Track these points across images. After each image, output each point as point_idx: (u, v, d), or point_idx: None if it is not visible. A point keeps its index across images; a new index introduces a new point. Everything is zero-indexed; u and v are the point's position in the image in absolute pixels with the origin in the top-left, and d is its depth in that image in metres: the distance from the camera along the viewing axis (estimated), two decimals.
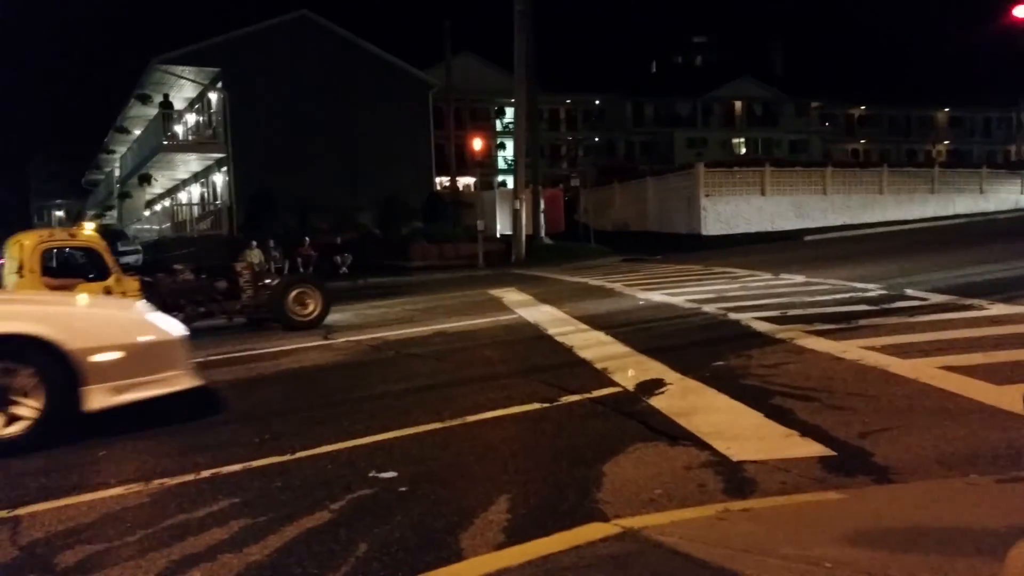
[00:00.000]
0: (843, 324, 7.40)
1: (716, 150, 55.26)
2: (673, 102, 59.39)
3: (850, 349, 6.22)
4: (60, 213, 73.63)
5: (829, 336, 6.84)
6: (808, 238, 22.92)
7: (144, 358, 5.06)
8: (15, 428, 4.63)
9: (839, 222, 25.93)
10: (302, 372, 7.14)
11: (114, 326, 5.21)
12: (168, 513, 3.53)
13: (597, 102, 57.95)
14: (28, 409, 4.64)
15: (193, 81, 30.51)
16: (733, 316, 8.34)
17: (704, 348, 6.77)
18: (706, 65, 68.86)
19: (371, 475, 3.89)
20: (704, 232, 24.03)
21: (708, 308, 9.14)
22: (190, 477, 4.04)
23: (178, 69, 29.36)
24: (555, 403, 5.14)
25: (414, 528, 3.19)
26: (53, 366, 4.67)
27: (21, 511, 3.66)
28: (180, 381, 5.17)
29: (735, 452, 3.90)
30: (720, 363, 6.08)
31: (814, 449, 3.93)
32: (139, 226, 39.67)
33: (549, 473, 3.79)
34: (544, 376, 5.95)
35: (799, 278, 11.92)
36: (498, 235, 26.46)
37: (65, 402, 4.68)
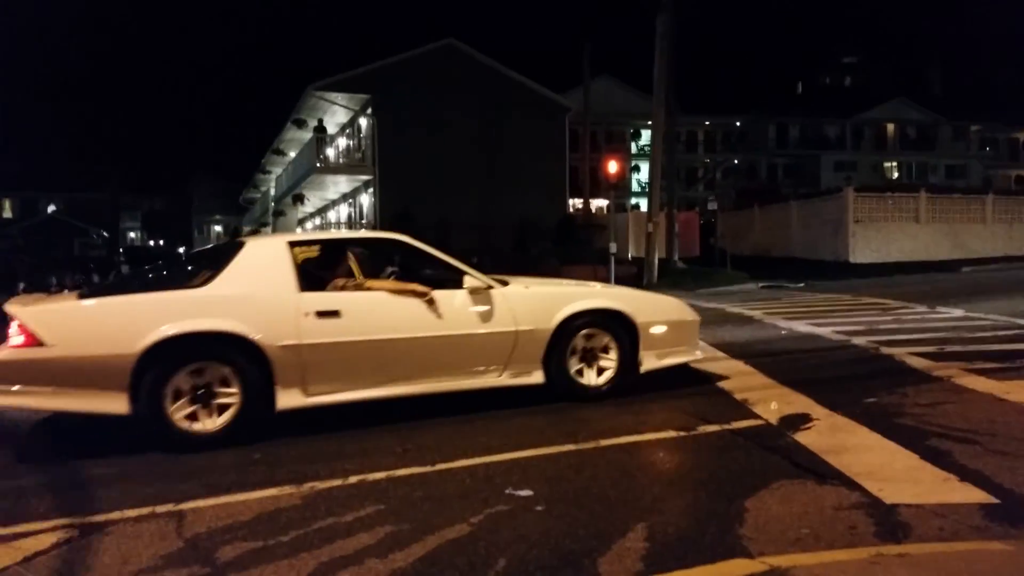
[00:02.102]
0: (1007, 363, 6.88)
1: (866, 174, 52.76)
2: (820, 124, 57.25)
3: (1014, 390, 5.78)
4: (219, 228, 79.03)
5: (991, 375, 6.37)
6: (966, 269, 21.44)
7: (678, 334, 6.38)
8: (603, 378, 6.07)
9: (1000, 253, 24.11)
10: None
11: (664, 306, 6.53)
12: (318, 516, 3.71)
13: (738, 123, 56.62)
14: (609, 361, 6.06)
15: (345, 107, 32.13)
16: (886, 351, 7.91)
17: (854, 383, 6.45)
18: (856, 86, 66.05)
19: (507, 492, 3.95)
20: (852, 260, 22.95)
21: (858, 341, 8.71)
22: (338, 482, 4.23)
23: (331, 96, 31.00)
24: (692, 432, 5.04)
25: (551, 548, 3.21)
26: (626, 333, 6.08)
27: (185, 506, 3.95)
28: (693, 353, 6.60)
29: (888, 494, 3.70)
30: (871, 399, 5.78)
31: (975, 495, 3.67)
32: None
33: (688, 504, 3.72)
34: (680, 404, 5.84)
35: (957, 312, 11.17)
36: (630, 258, 26.24)
37: (631, 359, 6.10)
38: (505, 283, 5.94)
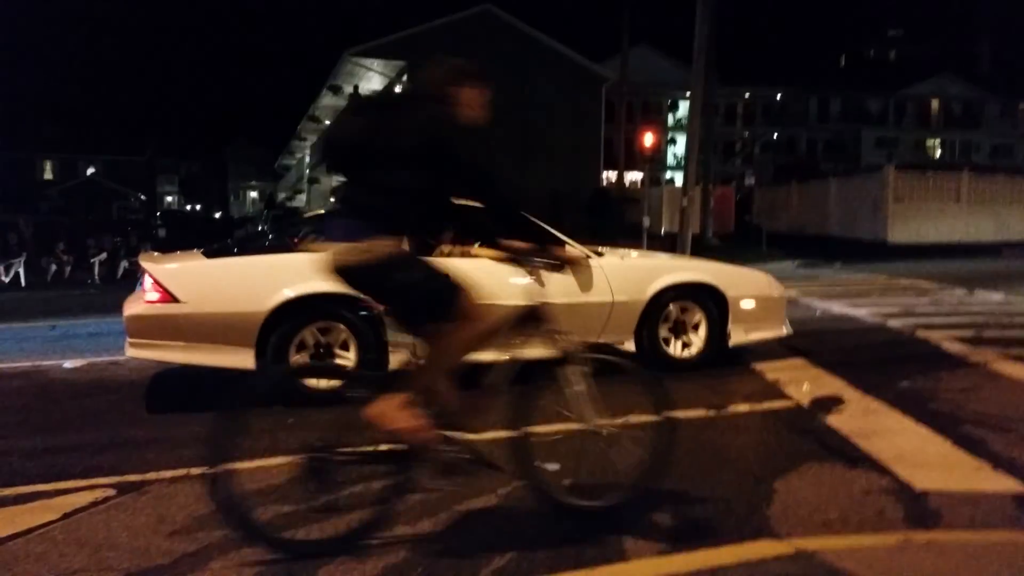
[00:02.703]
0: None
1: (908, 151, 51.65)
2: (862, 98, 56.00)
3: None
4: (254, 194, 79.79)
5: None
6: (1008, 252, 20.96)
7: (767, 309, 6.42)
8: (694, 350, 6.19)
9: None
10: None
11: (753, 281, 6.55)
12: (348, 481, 3.76)
13: (778, 96, 55.59)
14: (699, 333, 6.17)
15: (381, 73, 32.09)
16: (922, 334, 7.79)
17: (888, 366, 6.37)
18: (900, 60, 64.36)
19: (535, 465, 3.97)
20: (890, 240, 22.51)
21: (894, 323, 8.59)
22: (370, 448, 4.28)
23: (367, 61, 30.98)
24: (722, 412, 5.03)
25: (576, 523, 3.24)
26: (716, 306, 6.16)
27: (220, 468, 4.01)
28: (781, 330, 6.56)
29: (918, 480, 3.67)
30: (905, 383, 5.71)
31: (1008, 485, 3.63)
32: (323, 210, 42.26)
33: (715, 484, 3.72)
34: (710, 383, 5.81)
35: (997, 296, 10.95)
36: (663, 233, 26.04)
37: (720, 332, 6.18)
38: (600, 254, 6.07)
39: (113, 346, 8.05)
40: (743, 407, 5.12)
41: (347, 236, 3.04)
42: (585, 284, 5.80)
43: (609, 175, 35.84)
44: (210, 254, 5.68)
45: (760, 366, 6.35)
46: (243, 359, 5.09)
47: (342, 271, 3.05)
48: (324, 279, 5.15)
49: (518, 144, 29.94)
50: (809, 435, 4.48)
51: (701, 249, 21.94)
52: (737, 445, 4.38)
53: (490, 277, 5.64)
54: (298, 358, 5.17)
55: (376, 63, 31.22)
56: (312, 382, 5.15)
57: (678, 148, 47.37)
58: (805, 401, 5.24)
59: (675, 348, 6.15)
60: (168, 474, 3.94)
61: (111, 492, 3.69)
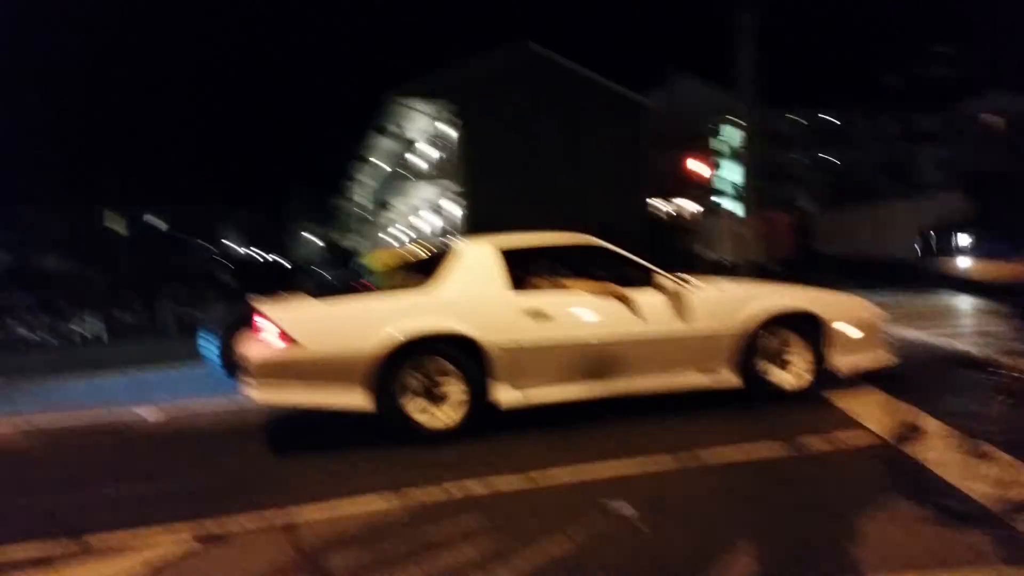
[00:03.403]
0: None
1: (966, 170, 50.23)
2: (918, 118, 54.88)
3: None
4: (312, 236, 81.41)
5: None
6: None
7: (867, 335, 6.31)
8: (793, 378, 6.09)
9: None
10: None
11: (852, 307, 6.45)
12: (422, 527, 3.80)
13: (830, 118, 54.84)
14: (799, 361, 6.10)
15: (427, 114, 32.65)
16: (1006, 360, 7.51)
17: (970, 395, 6.14)
18: (956, 77, 62.95)
19: (608, 507, 3.94)
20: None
21: (970, 348, 8.32)
22: (441, 494, 4.31)
23: (414, 103, 31.56)
24: (799, 448, 4.89)
25: (655, 566, 3.20)
26: (816, 333, 6.08)
27: (297, 515, 4.09)
28: (883, 357, 6.45)
29: (1013, 515, 3.53)
30: (990, 413, 5.51)
31: None
32: (379, 247, 42.90)
33: (796, 523, 3.63)
34: (785, 417, 5.68)
35: None
36: (718, 260, 25.76)
37: (820, 360, 6.10)
38: (694, 284, 6.09)
39: (186, 393, 8.28)
40: (822, 443, 4.98)
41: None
42: (681, 314, 5.83)
43: (658, 203, 35.68)
44: (319, 296, 5.95)
45: (832, 395, 6.20)
46: (359, 400, 5.28)
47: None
48: (432, 318, 5.43)
49: (565, 177, 30.08)
50: (889, 468, 4.36)
51: (760, 276, 21.62)
52: (816, 482, 4.27)
53: (584, 308, 5.76)
54: (413, 399, 5.38)
55: (423, 104, 31.77)
56: (426, 419, 5.34)
57: (727, 173, 46.96)
58: (885, 434, 5.08)
59: (777, 377, 6.06)
60: (247, 522, 4.02)
61: (192, 541, 3.77)
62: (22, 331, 16.93)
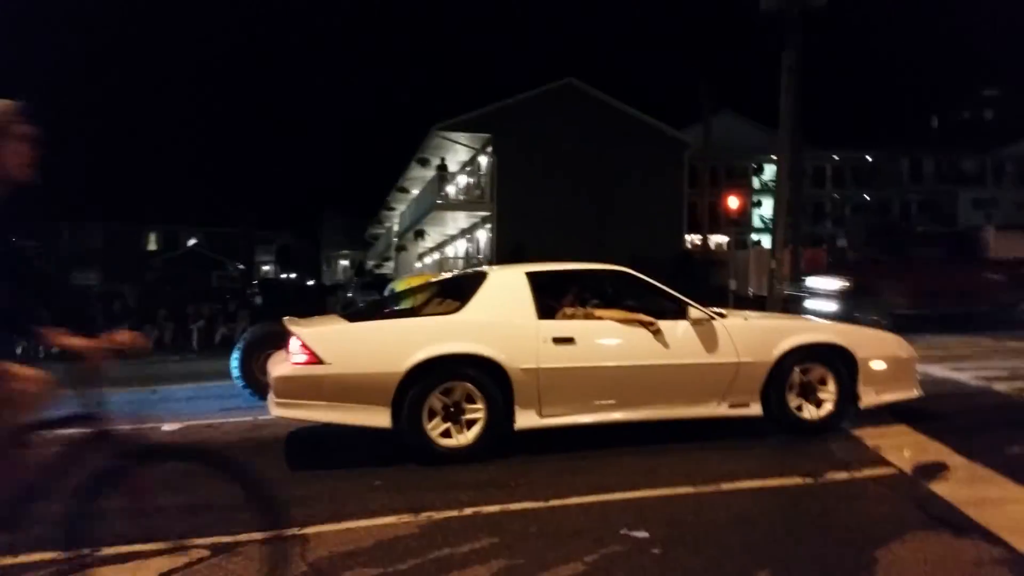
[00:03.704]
0: None
1: (1008, 211, 49.45)
2: (957, 159, 54.27)
3: None
4: (345, 262, 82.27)
5: None
6: None
7: (897, 370, 6.25)
8: (822, 412, 6.01)
9: None
10: None
11: (882, 341, 6.40)
12: (434, 545, 3.77)
13: (868, 158, 54.43)
14: (828, 395, 6.01)
15: (466, 146, 33.00)
16: None
17: (996, 431, 6.01)
18: (996, 119, 62.24)
19: (622, 532, 3.89)
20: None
21: (1000, 387, 8.11)
22: (454, 513, 4.28)
23: (453, 135, 31.92)
24: (819, 479, 4.81)
25: None
26: (845, 367, 6.01)
27: (309, 530, 4.09)
28: (912, 391, 6.34)
29: None
30: (1016, 449, 5.36)
31: None
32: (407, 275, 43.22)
33: (814, 554, 3.55)
34: (806, 448, 5.59)
35: None
36: (751, 295, 25.51)
37: (850, 395, 6.03)
38: (723, 315, 6.09)
39: (209, 410, 8.36)
40: (842, 474, 4.89)
41: None
42: (710, 344, 5.79)
43: (694, 238, 35.55)
44: (351, 318, 6.01)
45: (859, 432, 6.07)
46: (380, 418, 5.31)
47: None
48: (458, 341, 5.46)
49: (601, 210, 30.11)
50: (913, 503, 4.25)
51: (791, 311, 21.33)
52: (836, 514, 4.18)
53: (612, 337, 5.74)
54: (434, 420, 5.40)
55: (462, 136, 32.13)
56: (444, 440, 5.36)
57: (764, 210, 46.71)
58: (907, 468, 4.98)
59: (804, 410, 6.00)
60: (259, 535, 4.00)
61: (205, 553, 3.78)
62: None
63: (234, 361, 8.92)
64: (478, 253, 33.85)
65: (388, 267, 53.17)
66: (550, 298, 6.10)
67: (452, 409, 5.42)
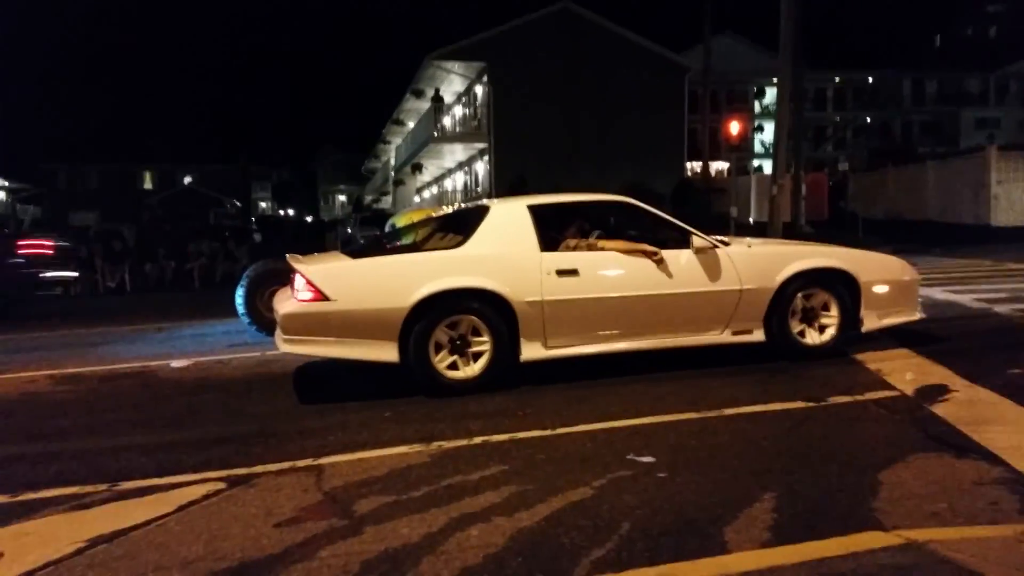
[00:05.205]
0: None
1: (1012, 132, 48.92)
2: (960, 78, 53.39)
3: None
4: (342, 198, 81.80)
5: None
6: None
7: (899, 293, 6.26)
8: (825, 336, 6.09)
9: None
10: None
11: (886, 265, 6.39)
12: (446, 473, 3.85)
13: (870, 79, 53.56)
14: (830, 320, 6.07)
15: (461, 75, 32.44)
16: None
17: (996, 353, 6.08)
18: (1001, 37, 60.90)
19: (629, 457, 3.96)
20: (994, 223, 21.39)
21: (1000, 309, 8.18)
22: (464, 442, 4.37)
23: (448, 64, 31.35)
24: (821, 403, 4.88)
25: (675, 514, 3.21)
26: (848, 292, 6.05)
27: (323, 460, 4.17)
28: (914, 314, 6.37)
29: None
30: (1016, 371, 5.43)
31: None
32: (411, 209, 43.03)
33: (817, 475, 3.62)
34: (809, 372, 5.66)
35: None
36: (751, 222, 25.45)
37: (853, 320, 6.08)
38: (726, 243, 6.07)
39: (216, 346, 8.44)
40: (845, 398, 4.96)
41: None
42: (713, 273, 5.81)
43: (694, 166, 35.24)
44: (354, 255, 6.00)
45: (861, 356, 6.14)
46: (387, 353, 5.37)
47: None
48: (462, 275, 5.47)
49: (600, 139, 29.77)
50: (914, 425, 4.32)
51: (793, 237, 21.31)
52: (839, 436, 4.26)
53: (615, 267, 5.75)
54: (440, 353, 5.45)
55: (457, 65, 31.55)
56: (451, 373, 5.44)
57: (766, 136, 46.17)
58: (909, 391, 5.05)
59: (807, 336, 6.05)
60: (274, 467, 4.10)
61: (221, 485, 3.86)
62: (57, 285, 17.25)
63: (239, 298, 8.96)
64: (476, 185, 33.61)
65: (386, 202, 52.87)
66: (552, 230, 6.08)
67: (458, 342, 5.47)
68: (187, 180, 63.84)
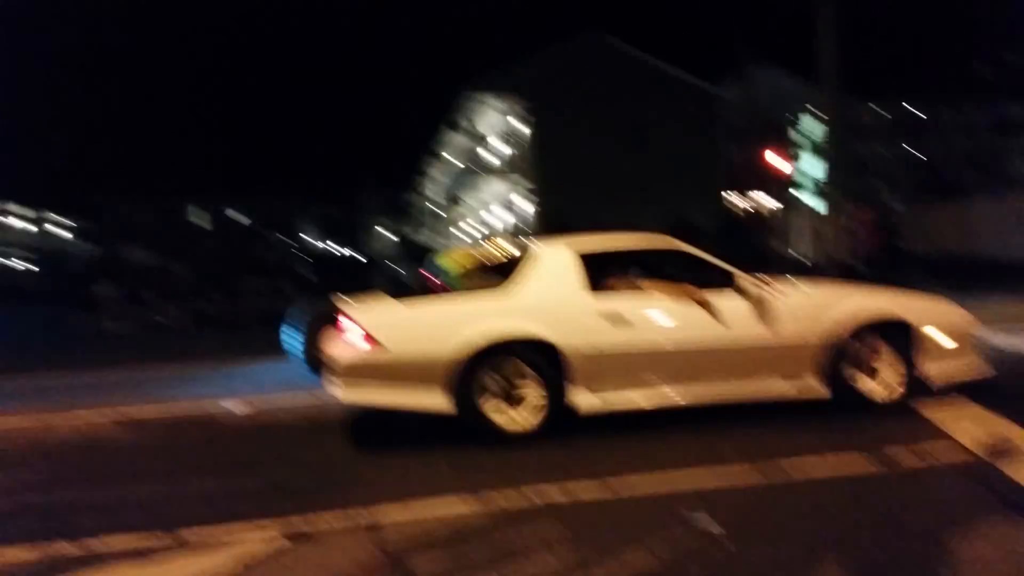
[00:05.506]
0: None
1: None
2: (1006, 108, 52.40)
3: None
4: (384, 231, 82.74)
5: None
6: None
7: (956, 337, 6.04)
8: (883, 386, 5.88)
9: None
10: None
11: (940, 310, 6.22)
12: (502, 533, 3.82)
13: (916, 110, 52.85)
14: (888, 369, 5.87)
15: (498, 109, 32.75)
16: None
17: None
18: None
19: (692, 524, 3.87)
20: None
21: None
22: (519, 498, 4.33)
23: (485, 98, 31.69)
24: (888, 463, 4.74)
25: None
26: (905, 340, 5.87)
27: (381, 515, 4.17)
28: (972, 359, 6.16)
29: None
30: None
31: None
32: (451, 242, 43.35)
33: (886, 543, 3.51)
34: (873, 430, 5.47)
35: None
36: (796, 256, 25.14)
37: (910, 369, 5.88)
38: (775, 286, 5.99)
39: (271, 385, 8.54)
40: (910, 456, 4.82)
41: None
42: (762, 317, 5.74)
43: (732, 197, 35.03)
44: (400, 297, 6.06)
45: (921, 406, 5.98)
46: (438, 401, 5.39)
47: None
48: (510, 321, 5.51)
49: (638, 172, 29.76)
50: (987, 488, 4.19)
51: (844, 275, 20.97)
52: (908, 501, 4.14)
53: (661, 311, 5.72)
54: (490, 400, 5.47)
55: (494, 99, 31.85)
56: (504, 421, 5.42)
57: (806, 166, 45.75)
58: (977, 448, 4.89)
59: (862, 383, 5.89)
60: (333, 521, 4.12)
61: (282, 540, 3.88)
62: (110, 322, 17.69)
63: (290, 338, 9.08)
64: (514, 217, 33.78)
65: (427, 233, 53.35)
66: (598, 273, 6.05)
67: (508, 389, 5.48)
68: (239, 216, 65.11)
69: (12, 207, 60.48)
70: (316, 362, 8.83)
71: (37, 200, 63.19)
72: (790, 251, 25.13)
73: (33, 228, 65.96)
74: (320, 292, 12.73)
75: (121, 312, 17.95)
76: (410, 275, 22.85)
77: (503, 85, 30.80)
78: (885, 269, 23.03)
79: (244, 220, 62.26)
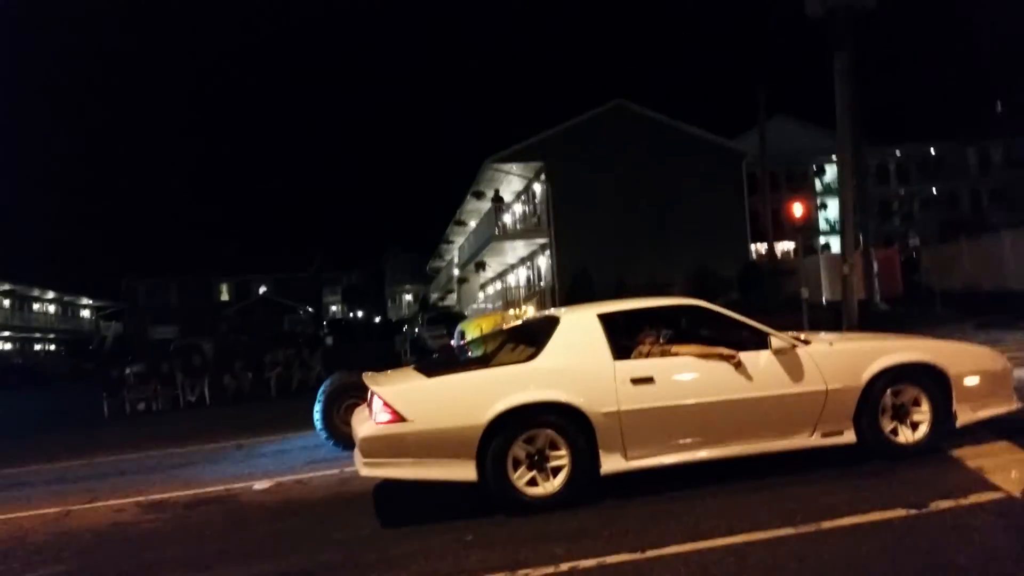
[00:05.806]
0: None
1: None
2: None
3: None
4: (409, 297, 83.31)
5: None
6: None
7: (991, 383, 6.02)
8: (919, 434, 5.83)
9: None
10: None
11: (974, 355, 6.21)
12: None
13: (932, 150, 52.79)
14: (922, 416, 5.82)
15: (519, 175, 33.23)
16: None
17: None
18: None
19: None
20: None
21: None
22: (550, 570, 4.24)
23: (506, 166, 32.20)
24: (923, 509, 4.62)
25: None
26: (938, 386, 5.82)
27: None
28: (1010, 404, 6.10)
29: None
30: None
31: None
32: (475, 307, 43.53)
33: None
34: (905, 474, 5.38)
35: None
36: (824, 302, 24.86)
37: (946, 415, 5.82)
38: (806, 341, 5.95)
39: (296, 463, 8.52)
40: (947, 502, 4.68)
41: None
42: (795, 374, 5.67)
43: (758, 248, 34.93)
44: (427, 370, 6.04)
45: (958, 452, 5.83)
46: (465, 472, 5.33)
47: None
48: (537, 389, 5.46)
49: (660, 228, 29.85)
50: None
51: (869, 316, 20.70)
52: (949, 550, 4.00)
53: (692, 373, 5.67)
54: (519, 470, 5.40)
55: (515, 167, 32.35)
56: (531, 489, 5.37)
57: (830, 213, 45.69)
58: (1016, 492, 4.75)
59: (899, 434, 5.82)
60: None
61: None
62: (134, 401, 17.86)
63: (317, 413, 9.08)
64: (539, 280, 33.87)
65: (451, 299, 53.59)
66: (624, 337, 6.04)
67: (536, 457, 5.41)
68: (261, 289, 65.99)
69: (35, 291, 61.86)
70: (337, 434, 8.82)
71: (62, 283, 64.71)
72: (819, 296, 24.86)
73: (54, 309, 67.33)
74: (346, 363, 12.75)
75: (146, 391, 18.12)
76: (436, 342, 22.94)
77: (523, 153, 31.38)
78: (912, 306, 22.72)
79: (272, 295, 62.97)
